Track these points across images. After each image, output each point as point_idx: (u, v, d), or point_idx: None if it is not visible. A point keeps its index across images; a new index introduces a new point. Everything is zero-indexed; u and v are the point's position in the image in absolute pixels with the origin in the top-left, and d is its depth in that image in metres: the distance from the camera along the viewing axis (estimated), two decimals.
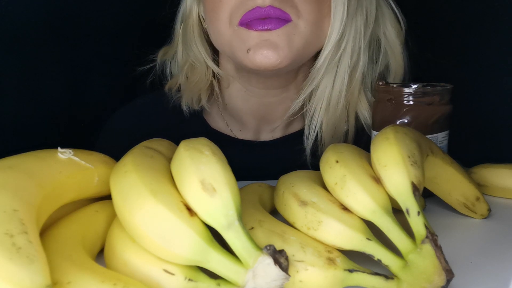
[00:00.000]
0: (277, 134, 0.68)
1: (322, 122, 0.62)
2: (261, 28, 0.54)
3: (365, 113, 0.63)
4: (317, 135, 0.62)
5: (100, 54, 0.88)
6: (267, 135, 0.68)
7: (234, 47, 0.56)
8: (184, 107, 0.66)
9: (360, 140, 0.63)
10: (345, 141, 0.64)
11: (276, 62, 0.54)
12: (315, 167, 0.55)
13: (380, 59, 0.64)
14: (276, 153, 0.67)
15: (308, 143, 0.63)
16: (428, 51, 0.63)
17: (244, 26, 0.55)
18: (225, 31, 0.57)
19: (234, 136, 0.69)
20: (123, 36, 0.88)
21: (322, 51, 0.58)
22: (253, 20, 0.54)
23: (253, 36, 0.54)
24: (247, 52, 0.55)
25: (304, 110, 0.63)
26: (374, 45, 0.63)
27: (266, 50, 0.54)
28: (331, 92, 0.60)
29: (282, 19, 0.54)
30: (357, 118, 0.64)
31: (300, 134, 0.65)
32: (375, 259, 0.31)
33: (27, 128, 0.79)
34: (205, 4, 0.60)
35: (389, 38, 0.63)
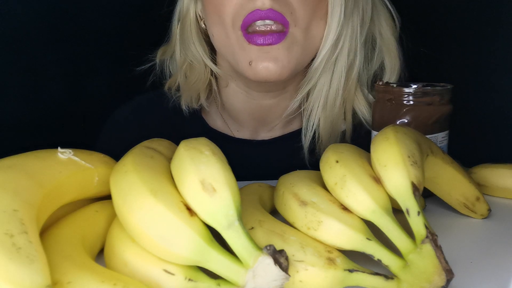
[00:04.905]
0: (276, 133, 0.68)
1: (319, 120, 0.62)
2: (261, 42, 0.54)
3: (363, 109, 0.63)
4: (314, 133, 0.63)
5: (100, 54, 0.88)
6: (265, 134, 0.69)
7: (236, 56, 0.57)
8: (183, 106, 0.66)
9: (358, 137, 0.63)
10: (343, 138, 0.64)
11: (277, 74, 0.55)
12: (313, 165, 0.55)
13: (375, 57, 0.64)
14: (274, 151, 0.67)
15: (306, 141, 0.63)
16: (428, 51, 0.63)
17: (245, 36, 0.55)
18: (230, 35, 0.57)
19: (232, 135, 0.69)
20: (123, 36, 0.88)
21: (319, 51, 0.59)
22: (254, 35, 0.54)
23: (254, 49, 0.55)
24: (249, 64, 0.55)
25: (302, 109, 0.63)
26: (369, 43, 0.64)
27: (267, 63, 0.55)
28: (328, 91, 0.61)
29: (281, 32, 0.55)
30: (354, 116, 0.64)
31: (298, 133, 0.65)
32: (375, 259, 0.31)
33: (27, 128, 0.79)
34: (205, 7, 0.60)
35: (384, 36, 0.63)
